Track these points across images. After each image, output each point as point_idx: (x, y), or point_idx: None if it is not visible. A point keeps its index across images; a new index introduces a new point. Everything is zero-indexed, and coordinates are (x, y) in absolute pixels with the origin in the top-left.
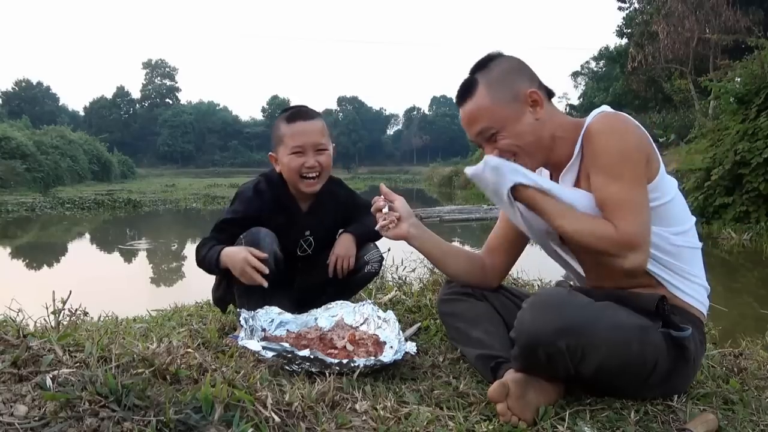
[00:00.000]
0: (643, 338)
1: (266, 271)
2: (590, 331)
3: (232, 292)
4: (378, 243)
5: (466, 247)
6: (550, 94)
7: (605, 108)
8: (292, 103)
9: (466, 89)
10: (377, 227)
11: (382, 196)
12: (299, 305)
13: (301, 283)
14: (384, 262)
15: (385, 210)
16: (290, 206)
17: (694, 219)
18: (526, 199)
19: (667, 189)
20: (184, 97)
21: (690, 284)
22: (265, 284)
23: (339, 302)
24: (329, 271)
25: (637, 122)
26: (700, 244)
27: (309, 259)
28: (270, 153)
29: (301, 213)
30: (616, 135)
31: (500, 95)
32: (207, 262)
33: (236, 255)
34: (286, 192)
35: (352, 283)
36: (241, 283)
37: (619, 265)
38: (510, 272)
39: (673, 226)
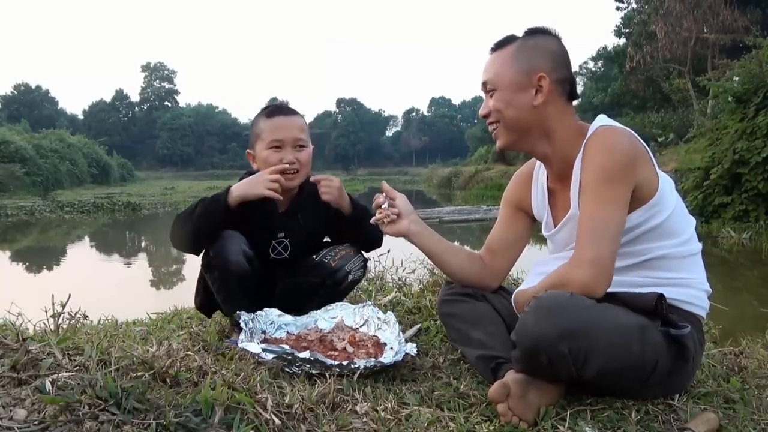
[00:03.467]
0: (644, 338)
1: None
2: (593, 335)
3: (212, 296)
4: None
5: (466, 248)
6: (572, 95)
7: (606, 121)
8: (291, 106)
9: (502, 42)
10: (372, 220)
11: (383, 194)
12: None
13: (284, 290)
14: (369, 266)
15: (385, 206)
16: (266, 205)
17: (694, 222)
18: None
19: (667, 201)
20: (183, 100)
21: (691, 291)
22: (280, 197)
23: (339, 304)
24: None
25: (633, 137)
26: (700, 246)
27: (288, 264)
28: (248, 151)
29: (277, 213)
30: (604, 153)
31: (518, 62)
32: (202, 215)
33: (253, 179)
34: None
35: (338, 293)
36: (221, 291)
37: (571, 285)
38: (510, 273)
39: (677, 237)
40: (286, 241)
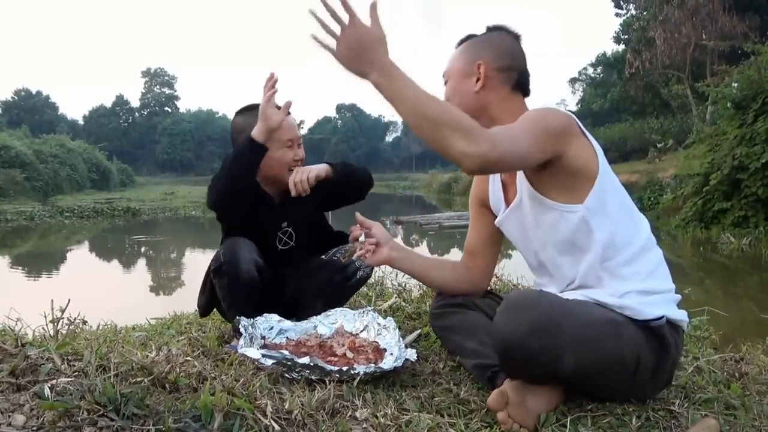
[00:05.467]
0: (617, 333)
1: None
2: (561, 330)
3: (215, 298)
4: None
5: (448, 258)
6: (523, 88)
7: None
8: (290, 111)
9: (462, 39)
10: (354, 257)
11: (358, 225)
12: (291, 314)
13: (292, 290)
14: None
15: (362, 239)
16: (265, 200)
17: (648, 230)
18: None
19: (607, 206)
20: (183, 105)
21: (656, 306)
22: (281, 117)
23: (338, 309)
24: (291, 189)
25: (571, 115)
26: (659, 253)
27: (296, 253)
28: None
29: (275, 205)
30: (538, 110)
31: (467, 53)
32: (234, 159)
33: (259, 120)
34: (259, 188)
35: (346, 290)
36: (227, 298)
37: (452, 148)
38: (509, 278)
39: (621, 254)
40: (290, 229)
